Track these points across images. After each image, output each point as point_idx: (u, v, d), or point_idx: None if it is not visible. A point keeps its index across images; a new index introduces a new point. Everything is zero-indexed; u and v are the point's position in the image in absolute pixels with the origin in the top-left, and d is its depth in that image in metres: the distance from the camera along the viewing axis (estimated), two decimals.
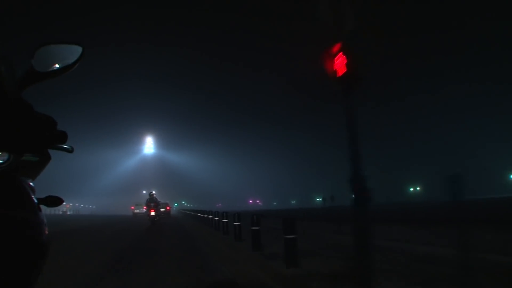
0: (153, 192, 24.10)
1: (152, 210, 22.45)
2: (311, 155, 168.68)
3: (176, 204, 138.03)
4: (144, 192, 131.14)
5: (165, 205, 40.13)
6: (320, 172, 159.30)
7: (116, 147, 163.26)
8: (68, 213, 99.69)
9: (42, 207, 1.19)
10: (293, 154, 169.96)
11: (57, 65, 1.24)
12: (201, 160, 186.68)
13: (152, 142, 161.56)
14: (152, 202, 22.82)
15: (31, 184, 1.19)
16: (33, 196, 1.12)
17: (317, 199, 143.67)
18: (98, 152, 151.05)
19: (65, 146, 1.40)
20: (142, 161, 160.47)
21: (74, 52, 1.26)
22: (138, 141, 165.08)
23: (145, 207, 25.39)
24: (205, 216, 23.04)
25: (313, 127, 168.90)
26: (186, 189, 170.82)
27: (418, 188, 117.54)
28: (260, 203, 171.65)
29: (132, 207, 57.57)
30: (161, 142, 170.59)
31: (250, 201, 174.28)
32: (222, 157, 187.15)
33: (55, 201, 1.29)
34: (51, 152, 1.28)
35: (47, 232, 1.09)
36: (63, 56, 1.25)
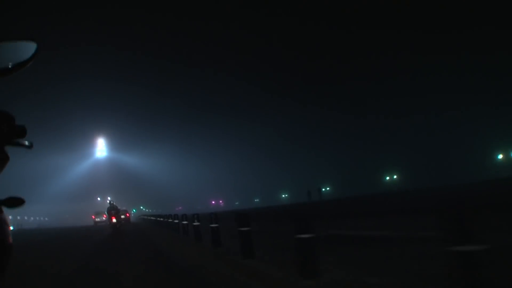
0: (110, 200, 26.11)
1: (113, 218, 24.07)
2: (273, 150, 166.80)
3: (134, 210, 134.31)
4: (99, 199, 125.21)
5: (124, 212, 41.53)
6: (284, 167, 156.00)
7: (64, 152, 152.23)
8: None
9: None
10: (254, 149, 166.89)
11: (10, 63, 1.23)
12: (158, 162, 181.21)
13: (104, 144, 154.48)
14: (112, 209, 24.42)
15: None
16: None
17: (283, 196, 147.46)
18: (43, 158, 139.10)
19: (24, 143, 1.34)
20: (95, 165, 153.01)
21: (28, 48, 1.26)
22: (88, 144, 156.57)
23: (105, 216, 28.65)
24: (166, 220, 23.83)
25: (272, 120, 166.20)
26: (144, 193, 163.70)
27: (395, 177, 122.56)
28: (222, 204, 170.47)
29: (93, 216, 59.90)
30: (113, 144, 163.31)
31: (213, 202, 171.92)
32: (179, 156, 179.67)
33: (16, 202, 1.28)
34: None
35: (10, 232, 1.13)
36: (16, 53, 1.24)
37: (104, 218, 39.50)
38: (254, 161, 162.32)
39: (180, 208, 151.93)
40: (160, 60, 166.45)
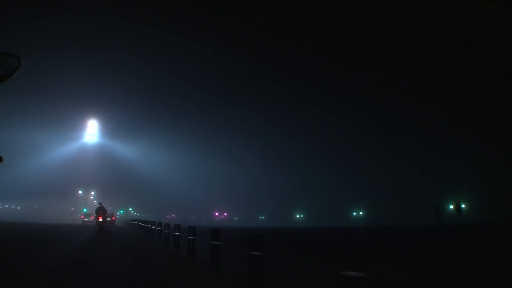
0: (100, 202, 32.54)
1: (100, 217, 30.56)
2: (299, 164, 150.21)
3: (121, 212, 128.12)
4: (80, 192, 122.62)
5: (111, 215, 50.56)
6: (306, 187, 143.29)
7: (47, 127, 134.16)
8: None
9: None
10: (278, 157, 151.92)
11: None
12: (158, 158, 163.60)
13: (96, 128, 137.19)
14: (100, 210, 30.97)
15: None
16: None
17: (297, 216, 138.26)
18: (19, 128, 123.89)
19: None
20: (81, 151, 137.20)
21: (9, 62, 1.39)
22: (77, 125, 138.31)
23: (92, 216, 38.44)
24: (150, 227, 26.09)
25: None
26: (135, 193, 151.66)
27: (361, 213, 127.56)
28: (225, 217, 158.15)
29: (82, 216, 73.45)
30: (108, 129, 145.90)
31: (216, 214, 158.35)
32: (185, 154, 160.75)
33: None
34: None
35: None
36: None
37: (91, 219, 48.81)
38: (272, 173, 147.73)
39: (173, 216, 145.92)
40: (172, 33, 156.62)
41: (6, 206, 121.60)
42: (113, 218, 57.43)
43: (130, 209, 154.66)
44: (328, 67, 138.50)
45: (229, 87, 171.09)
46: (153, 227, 23.62)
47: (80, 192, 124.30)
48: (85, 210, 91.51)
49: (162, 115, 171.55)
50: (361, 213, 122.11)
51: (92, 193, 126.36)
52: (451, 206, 64.11)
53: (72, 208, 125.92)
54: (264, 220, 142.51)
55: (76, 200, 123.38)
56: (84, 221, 65.18)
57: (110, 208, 58.90)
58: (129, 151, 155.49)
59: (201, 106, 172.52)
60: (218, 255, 9.63)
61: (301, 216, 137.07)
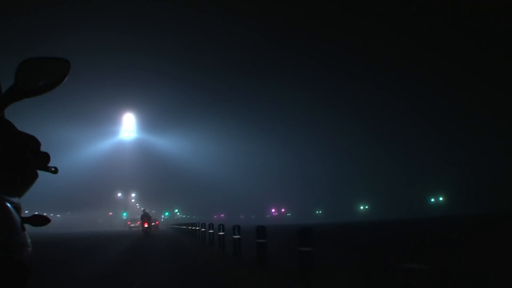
0: (144, 209, 40.15)
1: (145, 223, 36.54)
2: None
3: (166, 214, 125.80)
4: (119, 194, 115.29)
5: (154, 220, 57.88)
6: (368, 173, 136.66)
7: (75, 124, 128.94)
8: None
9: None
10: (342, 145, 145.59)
11: (42, 81, 1.40)
12: (205, 152, 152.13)
13: (133, 122, 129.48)
14: (145, 217, 36.96)
15: (16, 201, 1.29)
16: (16, 216, 1.22)
17: (361, 208, 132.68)
18: (52, 125, 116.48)
19: (49, 167, 1.48)
20: (118, 148, 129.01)
21: (59, 67, 1.44)
22: (112, 120, 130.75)
23: (138, 222, 43.98)
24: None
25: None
26: (181, 194, 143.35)
27: (366, 207, 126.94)
28: (283, 212, 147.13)
29: (129, 222, 77.99)
30: (146, 122, 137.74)
31: (273, 210, 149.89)
32: (235, 141, 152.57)
33: (41, 221, 1.39)
34: None
35: (29, 252, 1.20)
36: (48, 72, 1.41)
37: (137, 224, 55.31)
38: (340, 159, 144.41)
39: (222, 215, 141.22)
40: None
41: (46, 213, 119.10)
42: (157, 222, 64.92)
43: (176, 210, 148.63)
44: None
45: (280, 66, 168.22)
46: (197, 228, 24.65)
47: (119, 194, 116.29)
48: (124, 214, 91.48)
49: (205, 101, 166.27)
50: (441, 198, 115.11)
51: (133, 195, 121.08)
52: None
53: (110, 213, 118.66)
54: (321, 215, 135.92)
55: (115, 204, 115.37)
56: (130, 227, 71.85)
57: (154, 211, 65.78)
58: (170, 144, 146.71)
59: (248, 87, 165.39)
60: (264, 253, 9.73)
61: (366, 207, 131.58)
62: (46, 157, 1.32)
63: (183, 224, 48.68)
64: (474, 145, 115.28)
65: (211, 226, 18.90)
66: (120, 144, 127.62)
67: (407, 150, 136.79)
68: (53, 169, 1.50)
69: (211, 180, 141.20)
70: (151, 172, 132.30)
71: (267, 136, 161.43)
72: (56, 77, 1.40)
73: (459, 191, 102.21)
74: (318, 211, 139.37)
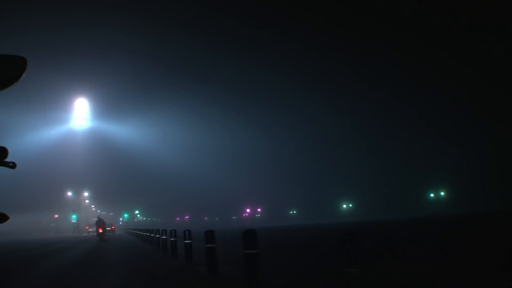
0: (99, 215, 43.92)
1: (100, 229, 39.30)
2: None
3: (125, 216, 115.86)
4: (69, 194, 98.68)
5: (110, 225, 62.87)
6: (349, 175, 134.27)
7: (21, 108, 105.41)
8: None
9: None
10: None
11: None
12: (172, 145, 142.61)
13: (87, 108, 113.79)
14: (100, 222, 39.90)
15: None
16: None
17: (343, 207, 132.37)
18: None
19: (6, 162, 1.48)
20: (68, 139, 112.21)
21: (15, 64, 1.45)
22: (62, 105, 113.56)
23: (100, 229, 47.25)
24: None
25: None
26: (141, 192, 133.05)
27: (350, 205, 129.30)
28: (248, 215, 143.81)
29: (87, 227, 79.12)
30: (102, 110, 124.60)
31: (248, 210, 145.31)
32: (202, 127, 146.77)
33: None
34: None
35: None
36: (3, 70, 1.43)
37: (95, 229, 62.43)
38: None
39: (186, 217, 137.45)
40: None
41: None
42: (113, 227, 69.62)
43: (137, 212, 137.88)
44: None
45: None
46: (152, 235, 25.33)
47: (70, 194, 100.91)
48: (74, 217, 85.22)
49: (170, 80, 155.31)
50: (442, 193, 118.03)
51: (86, 194, 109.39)
52: None
53: (56, 216, 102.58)
54: (296, 215, 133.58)
55: (64, 205, 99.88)
56: (88, 232, 73.19)
57: (112, 214, 67.70)
58: (130, 135, 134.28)
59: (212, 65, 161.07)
60: (214, 258, 10.12)
61: (349, 206, 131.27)
62: (3, 151, 1.35)
63: (140, 230, 49.04)
64: (463, 140, 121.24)
65: (164, 232, 19.48)
66: (70, 134, 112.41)
67: (393, 147, 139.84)
68: (11, 164, 1.48)
69: (177, 175, 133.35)
70: (108, 167, 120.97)
71: (239, 121, 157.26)
72: (11, 74, 1.42)
73: (454, 189, 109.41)
74: (292, 211, 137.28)
